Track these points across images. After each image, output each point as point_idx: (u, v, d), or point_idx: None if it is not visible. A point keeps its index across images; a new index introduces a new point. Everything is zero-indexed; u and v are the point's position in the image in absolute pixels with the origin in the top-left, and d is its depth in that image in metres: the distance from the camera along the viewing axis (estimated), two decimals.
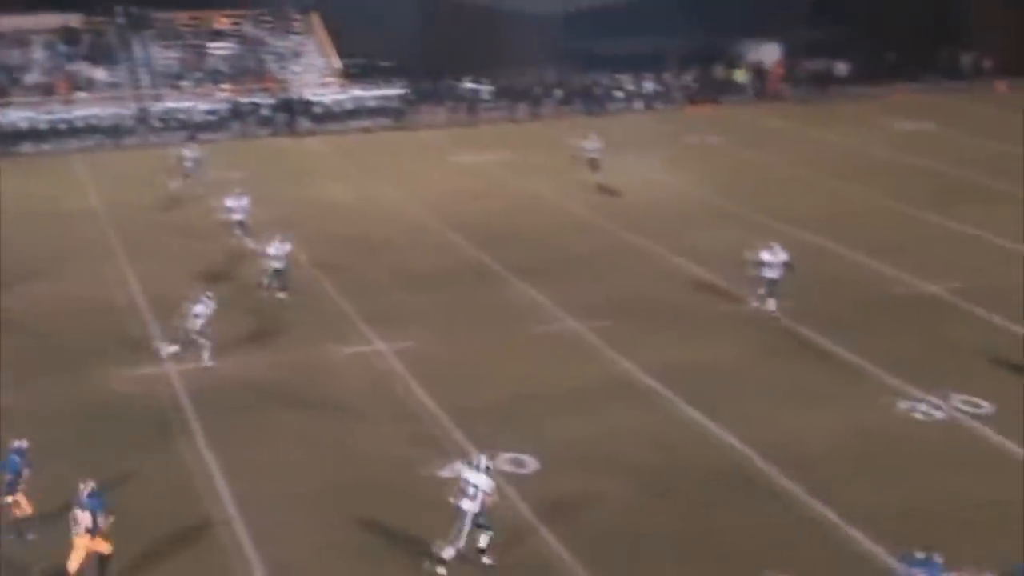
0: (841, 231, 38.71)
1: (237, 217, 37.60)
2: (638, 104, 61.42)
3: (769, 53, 65.96)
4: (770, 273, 31.54)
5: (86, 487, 19.79)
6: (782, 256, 31.62)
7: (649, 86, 62.27)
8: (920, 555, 18.14)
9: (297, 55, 60.79)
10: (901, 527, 21.27)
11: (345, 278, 34.71)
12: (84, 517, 19.57)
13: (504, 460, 23.95)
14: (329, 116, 56.72)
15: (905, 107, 60.20)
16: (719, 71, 65.24)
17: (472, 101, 59.57)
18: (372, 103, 57.90)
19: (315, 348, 29.67)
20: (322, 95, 57.49)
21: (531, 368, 28.70)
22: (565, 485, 22.74)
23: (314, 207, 42.25)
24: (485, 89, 60.09)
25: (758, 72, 65.09)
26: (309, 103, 56.76)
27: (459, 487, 20.51)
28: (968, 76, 66.21)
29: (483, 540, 20.38)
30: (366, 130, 56.05)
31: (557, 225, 40.24)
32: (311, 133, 55.30)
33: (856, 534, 21.39)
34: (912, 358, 28.73)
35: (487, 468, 20.55)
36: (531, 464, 24.01)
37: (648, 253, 37.16)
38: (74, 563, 19.65)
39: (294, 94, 57.08)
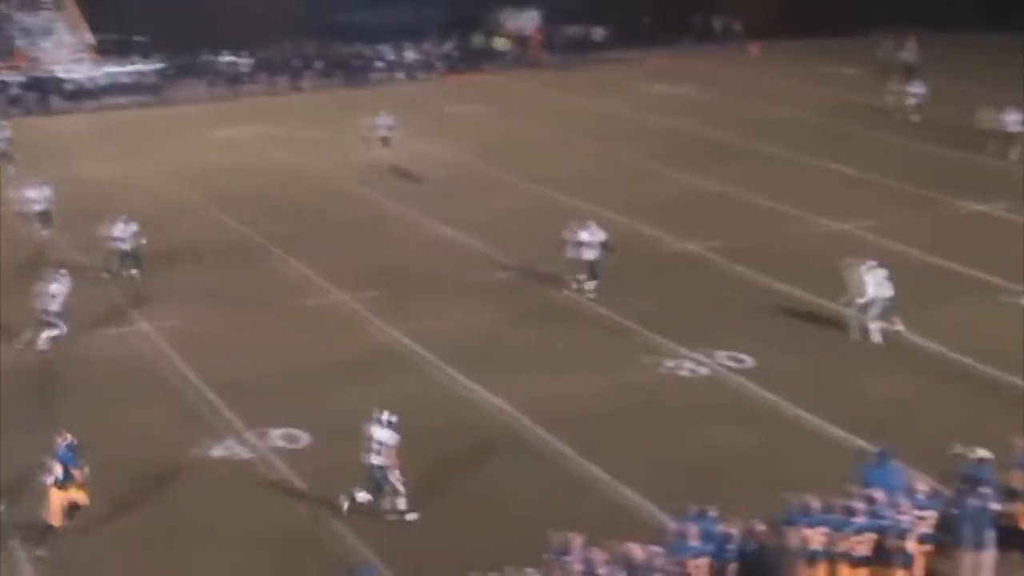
0: (603, 193, 39.17)
1: (39, 208, 36.11)
2: (399, 74, 61.17)
3: (528, 20, 66.39)
4: (588, 254, 30.62)
5: (63, 439, 20.08)
6: (600, 236, 30.74)
7: (410, 56, 62.05)
8: (694, 509, 18.45)
9: (47, 31, 58.73)
10: (672, 482, 21.59)
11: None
12: (56, 468, 19.80)
13: (276, 436, 23.61)
14: (83, 94, 54.97)
15: (662, 71, 61.28)
16: (479, 39, 65.37)
17: (232, 75, 58.47)
18: (127, 79, 56.35)
19: (78, 332, 28.71)
20: (75, 72, 55.64)
21: (300, 342, 28.34)
22: (339, 458, 22.48)
23: (71, 187, 40.84)
24: (244, 63, 59.05)
25: (518, 39, 65.43)
26: (61, 80, 54.89)
27: (366, 444, 20.74)
28: (721, 39, 67.76)
29: (361, 496, 20.72)
30: (122, 107, 54.52)
31: (322, 197, 39.84)
32: (64, 111, 53.54)
33: (626, 491, 21.67)
34: (676, 317, 29.24)
35: (390, 423, 20.80)
36: (303, 438, 23.70)
37: (413, 223, 37.05)
38: (54, 516, 19.92)
39: (45, 71, 55.12)
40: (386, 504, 20.88)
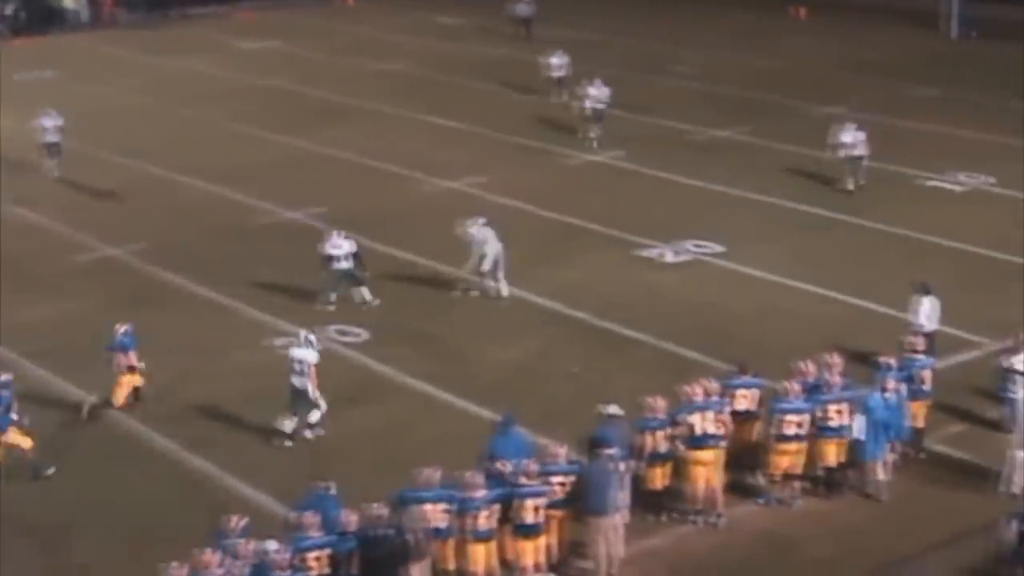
0: (194, 161, 38.58)
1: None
2: None
3: None
4: (343, 265, 28.34)
5: (122, 327, 23.85)
6: (347, 247, 28.47)
7: None
8: (315, 488, 18.46)
9: None
10: (289, 470, 21.54)
11: None
12: (127, 358, 23.74)
13: None
14: None
15: (250, 26, 60.71)
16: None
17: None
18: None
19: None
20: None
21: None
22: None
23: None
24: None
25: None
26: None
27: (289, 366, 22.75)
28: None
29: (314, 416, 22.76)
30: None
31: None
32: None
33: (238, 483, 21.48)
34: (284, 292, 29.04)
35: (310, 342, 22.90)
36: None
37: None
38: (120, 398, 23.81)
39: None
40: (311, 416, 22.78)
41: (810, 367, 20.95)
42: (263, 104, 46.21)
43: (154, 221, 32.05)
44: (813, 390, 20.65)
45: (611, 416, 20.00)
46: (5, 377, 22.33)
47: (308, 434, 22.86)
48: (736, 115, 42.57)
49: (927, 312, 24.24)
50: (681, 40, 54.56)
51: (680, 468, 20.16)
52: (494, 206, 33.66)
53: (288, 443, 22.64)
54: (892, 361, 21.26)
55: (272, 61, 53.55)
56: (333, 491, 18.60)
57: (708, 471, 20.08)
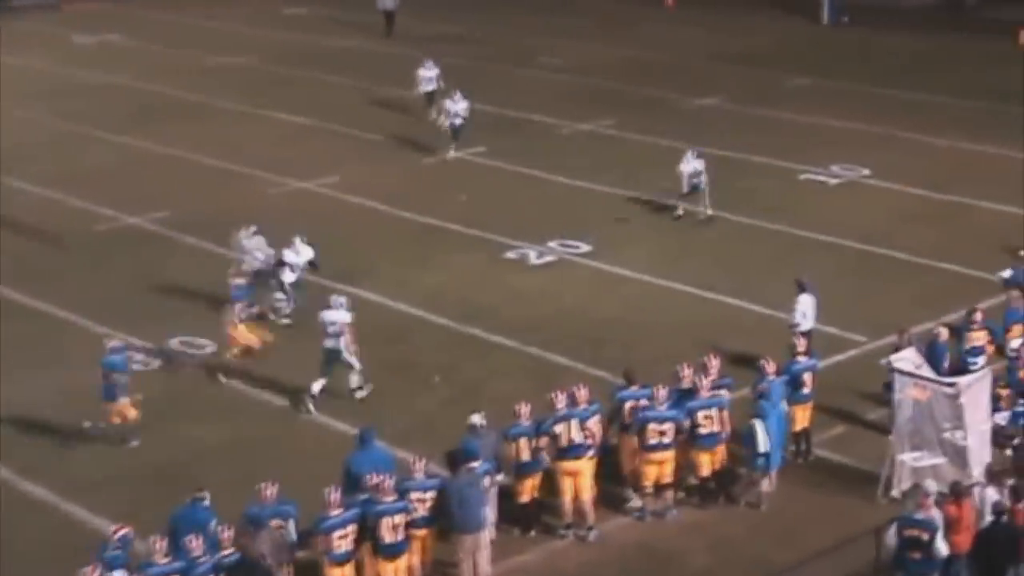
0: (25, 165, 37.88)
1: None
2: None
3: None
4: (292, 276, 27.88)
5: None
6: (305, 255, 28.16)
7: None
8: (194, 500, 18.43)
9: None
10: (131, 494, 21.25)
11: None
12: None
13: None
14: None
15: (83, 18, 59.86)
16: None
17: None
18: None
19: None
20: None
21: None
22: None
23: None
24: None
25: None
26: None
27: (321, 329, 24.19)
28: None
29: (354, 380, 24.37)
30: None
31: None
32: None
33: (75, 508, 21.17)
34: (125, 302, 28.59)
35: (342, 304, 24.33)
36: None
37: None
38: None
39: None
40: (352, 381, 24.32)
41: (686, 371, 21.06)
42: (100, 101, 45.53)
43: None
44: (684, 396, 20.76)
45: (475, 427, 19.93)
46: (117, 343, 23.82)
47: (360, 394, 24.43)
48: (602, 108, 42.80)
49: (803, 310, 24.56)
50: (548, 31, 54.77)
51: (549, 479, 20.19)
52: (348, 207, 33.49)
53: (311, 408, 23.99)
54: (771, 364, 21.38)
55: (108, 56, 52.80)
56: (207, 502, 18.44)
57: (577, 482, 20.10)
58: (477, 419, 20.01)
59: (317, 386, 24.10)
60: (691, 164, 32.96)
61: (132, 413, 23.13)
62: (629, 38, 53.40)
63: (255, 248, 28.40)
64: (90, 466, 22.50)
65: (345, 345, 24.27)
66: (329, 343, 24.24)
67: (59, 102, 45.30)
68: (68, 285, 29.73)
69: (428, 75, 41.63)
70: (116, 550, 17.63)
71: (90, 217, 34.08)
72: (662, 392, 20.47)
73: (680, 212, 32.89)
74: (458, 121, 38.14)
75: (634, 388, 20.94)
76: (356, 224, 31.62)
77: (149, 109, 44.34)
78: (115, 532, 17.88)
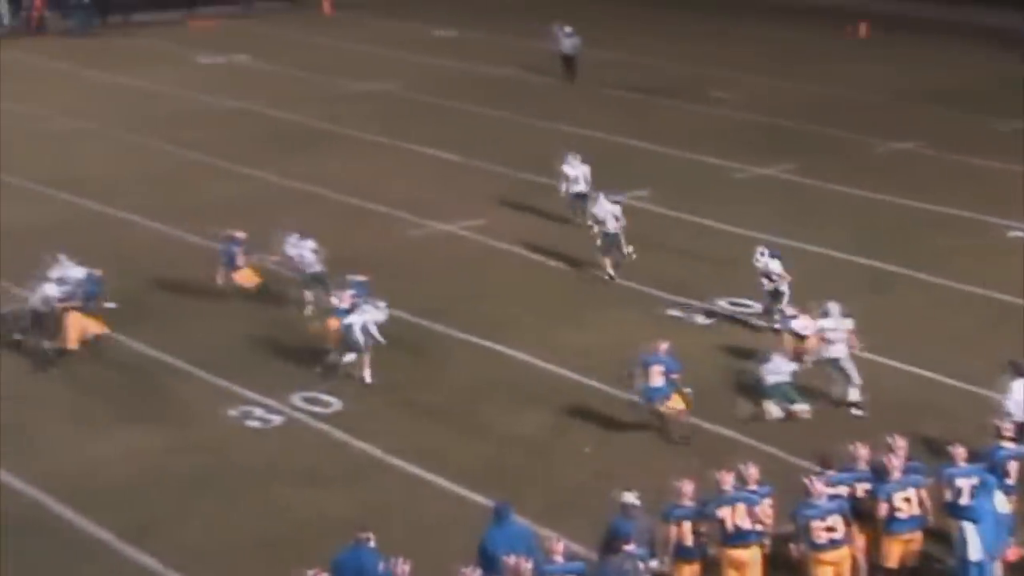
0: (147, 197, 38.48)
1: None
2: None
3: None
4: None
5: None
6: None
7: None
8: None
9: None
10: (254, 566, 21.36)
11: None
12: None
13: None
14: None
15: (210, 37, 60.87)
16: None
17: None
18: None
19: None
20: None
21: None
22: None
23: None
24: None
25: (15, 1, 63.69)
26: None
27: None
28: None
29: (348, 356, 27.34)
30: None
31: None
32: None
33: None
34: (240, 354, 28.84)
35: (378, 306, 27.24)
36: None
37: None
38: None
39: None
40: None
41: (861, 451, 20.69)
42: (225, 129, 46.22)
43: (94, 264, 31.55)
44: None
45: (629, 506, 19.78)
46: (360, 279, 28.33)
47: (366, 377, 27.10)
48: (777, 152, 42.50)
49: (1018, 398, 23.68)
50: (720, 61, 54.69)
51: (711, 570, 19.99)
52: (496, 252, 33.53)
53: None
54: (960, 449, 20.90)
55: (237, 79, 53.65)
56: (372, 543, 18.65)
57: (743, 574, 19.87)
58: (631, 497, 19.87)
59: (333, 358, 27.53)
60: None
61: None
62: (812, 71, 53.11)
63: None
64: (198, 532, 22.70)
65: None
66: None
67: (179, 128, 46.05)
68: (189, 335, 30.03)
69: (574, 173, 36.30)
70: None
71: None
72: (819, 485, 20.01)
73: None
74: (611, 227, 32.90)
75: (831, 473, 20.51)
76: (502, 272, 31.58)
77: (278, 138, 44.92)
78: None
